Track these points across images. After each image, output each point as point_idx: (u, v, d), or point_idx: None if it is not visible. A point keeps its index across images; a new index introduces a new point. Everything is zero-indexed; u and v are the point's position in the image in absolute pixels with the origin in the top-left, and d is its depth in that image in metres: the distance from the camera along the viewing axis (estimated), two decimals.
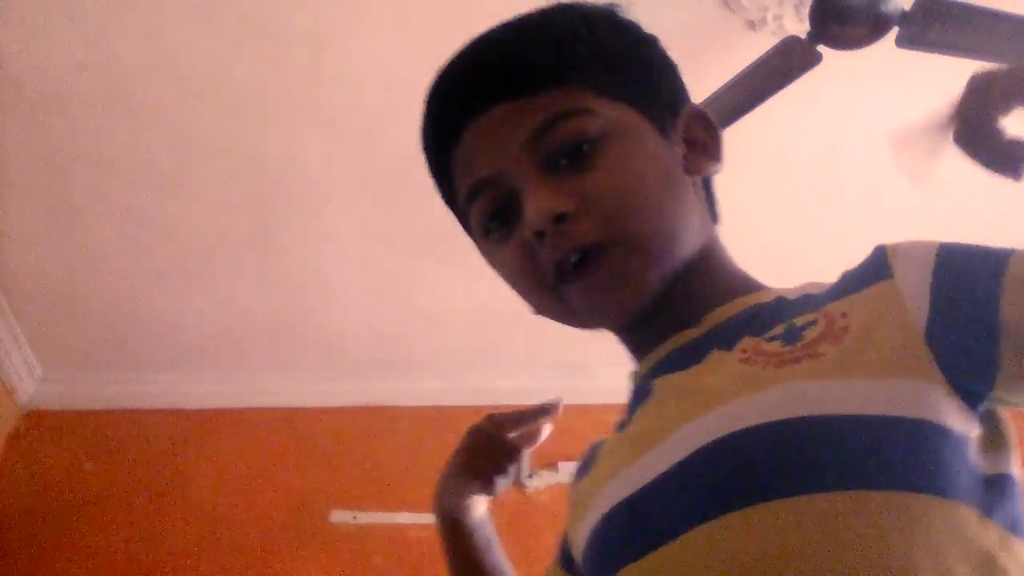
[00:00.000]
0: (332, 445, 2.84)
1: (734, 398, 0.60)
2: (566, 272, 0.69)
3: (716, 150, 0.77)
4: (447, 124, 0.76)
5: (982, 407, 0.59)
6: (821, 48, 1.84)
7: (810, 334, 0.63)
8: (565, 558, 0.82)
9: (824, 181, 2.41)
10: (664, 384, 0.70)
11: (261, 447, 2.85)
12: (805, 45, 1.84)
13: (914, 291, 0.62)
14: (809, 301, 0.69)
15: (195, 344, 2.85)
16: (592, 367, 2.99)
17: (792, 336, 0.64)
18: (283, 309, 2.72)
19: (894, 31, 1.79)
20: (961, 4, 1.73)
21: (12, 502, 2.75)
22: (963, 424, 0.58)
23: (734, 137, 2.00)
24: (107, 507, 2.73)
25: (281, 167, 2.35)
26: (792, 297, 0.73)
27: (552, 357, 2.93)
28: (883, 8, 1.77)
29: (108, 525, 2.69)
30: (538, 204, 0.68)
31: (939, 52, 1.83)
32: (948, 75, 2.20)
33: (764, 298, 0.74)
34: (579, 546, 0.71)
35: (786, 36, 1.87)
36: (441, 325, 2.73)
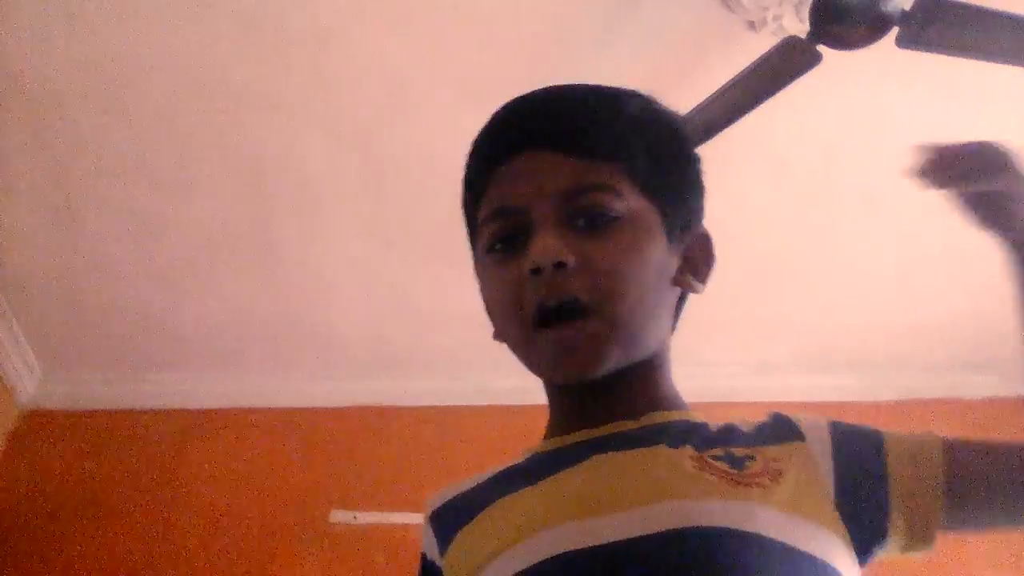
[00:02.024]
0: (332, 445, 2.84)
1: (693, 498, 0.68)
2: (545, 315, 0.75)
3: (705, 274, 0.86)
4: (508, 143, 0.83)
5: (869, 559, 0.72)
6: (821, 48, 1.84)
7: (751, 467, 0.72)
8: None
9: (824, 181, 2.41)
10: (606, 459, 0.74)
11: (261, 447, 2.85)
12: (805, 45, 1.84)
13: (822, 461, 0.74)
14: (736, 436, 0.78)
15: (195, 344, 2.85)
16: None
17: (735, 463, 0.72)
18: (283, 309, 2.72)
19: (894, 31, 1.79)
20: (961, 4, 1.72)
21: (12, 502, 2.75)
22: (851, 570, 0.69)
23: (734, 137, 2.01)
24: (107, 507, 2.72)
25: (281, 167, 2.35)
26: (715, 427, 0.81)
27: None
28: (883, 8, 1.77)
29: (108, 525, 2.68)
30: (546, 245, 0.75)
31: (939, 52, 1.83)
32: (948, 75, 2.22)
33: (695, 418, 0.82)
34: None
35: (786, 36, 1.87)
36: (441, 325, 2.73)
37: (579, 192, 0.78)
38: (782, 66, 1.85)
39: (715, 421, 0.82)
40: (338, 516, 2.71)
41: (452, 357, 2.83)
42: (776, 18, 1.96)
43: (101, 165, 2.35)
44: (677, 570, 0.64)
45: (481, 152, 0.87)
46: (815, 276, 2.70)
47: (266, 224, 2.50)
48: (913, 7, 1.76)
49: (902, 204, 2.46)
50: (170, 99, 2.20)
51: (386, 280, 2.67)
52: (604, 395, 0.79)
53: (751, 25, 1.99)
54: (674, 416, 0.81)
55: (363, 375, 2.91)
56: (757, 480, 0.70)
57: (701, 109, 1.94)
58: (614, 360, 0.76)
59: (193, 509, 2.72)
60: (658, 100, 0.88)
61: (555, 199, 0.78)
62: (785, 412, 0.81)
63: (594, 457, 0.75)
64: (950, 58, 1.84)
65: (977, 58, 1.84)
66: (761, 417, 0.82)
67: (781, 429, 0.78)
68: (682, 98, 2.06)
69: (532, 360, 0.80)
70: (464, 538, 0.76)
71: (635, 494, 0.69)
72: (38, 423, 2.91)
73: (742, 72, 1.87)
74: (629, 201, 0.79)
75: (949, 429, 2.80)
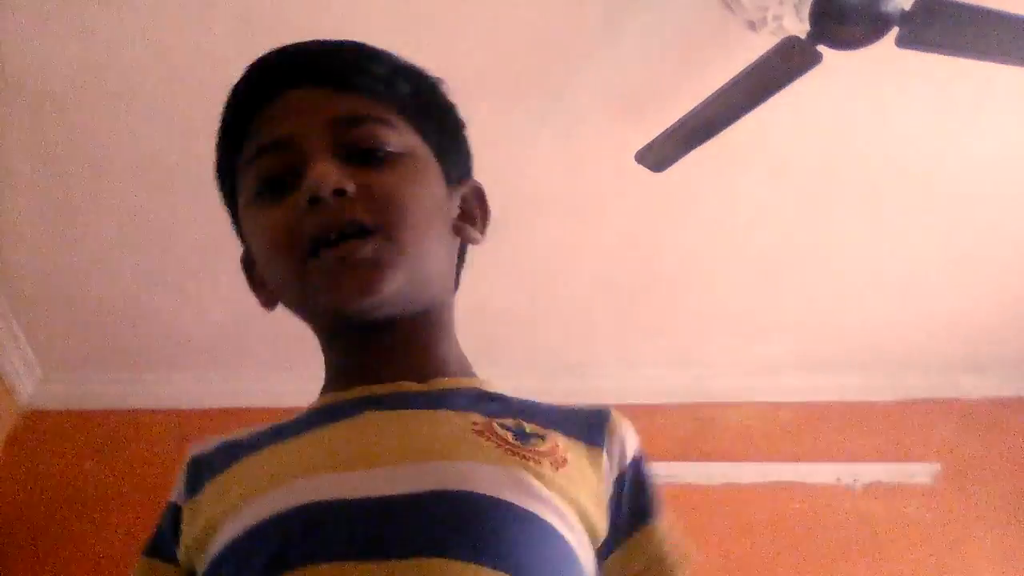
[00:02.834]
0: None
1: (460, 459, 0.65)
2: (321, 244, 0.70)
3: (483, 226, 0.83)
4: (266, 85, 0.78)
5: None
6: (821, 48, 1.84)
7: (538, 445, 0.69)
8: (165, 545, 0.76)
9: (824, 181, 2.41)
10: (379, 416, 0.70)
11: None
12: (805, 45, 1.84)
13: (609, 474, 0.72)
14: (535, 411, 0.74)
15: (195, 344, 2.85)
16: (592, 367, 2.99)
17: (522, 436, 0.69)
18: (283, 309, 2.71)
19: (894, 31, 1.79)
20: (961, 4, 1.72)
21: (12, 502, 2.75)
22: (590, 562, 0.68)
23: (734, 137, 2.01)
24: (107, 507, 2.72)
25: None
26: (515, 400, 0.77)
27: (552, 357, 2.93)
28: (883, 8, 1.77)
29: (108, 525, 2.68)
30: (324, 172, 0.70)
31: (939, 52, 1.83)
32: (948, 75, 2.22)
33: (487, 387, 0.78)
34: (225, 527, 0.66)
35: (786, 36, 1.87)
36: None
37: (351, 121, 0.74)
38: (782, 66, 1.85)
39: (521, 397, 0.77)
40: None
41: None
42: (776, 18, 1.96)
43: (101, 165, 2.35)
44: (419, 533, 0.60)
45: (239, 96, 0.81)
46: (815, 276, 2.70)
47: None
48: (913, 7, 1.76)
49: (902, 204, 2.46)
50: (170, 98, 2.20)
51: None
52: (387, 349, 0.75)
53: (751, 25, 1.99)
54: (463, 383, 0.76)
55: None
56: (538, 458, 0.67)
57: (701, 109, 1.94)
58: (399, 280, 0.71)
59: None
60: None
61: (328, 128, 0.73)
62: (608, 414, 0.76)
63: (368, 413, 0.70)
64: (950, 58, 1.84)
65: (977, 58, 1.84)
66: (583, 406, 0.77)
67: (588, 428, 0.74)
68: (682, 98, 2.07)
69: (306, 296, 0.74)
70: (213, 487, 0.71)
71: (400, 452, 0.65)
72: (38, 423, 2.91)
73: (742, 72, 1.88)
74: (404, 137, 0.76)
75: (949, 429, 2.81)
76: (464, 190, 0.82)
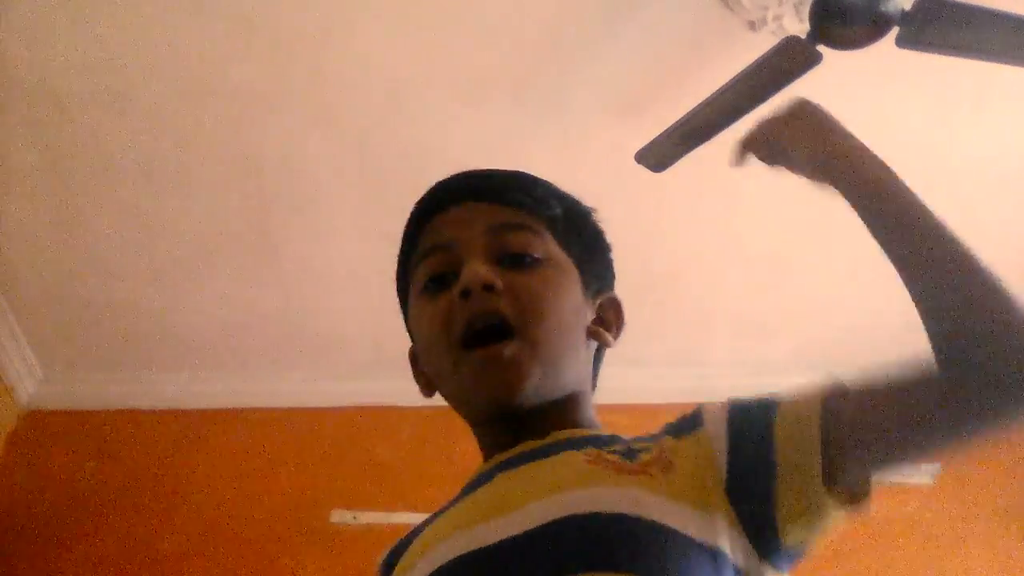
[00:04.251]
0: (332, 445, 2.84)
1: (578, 488, 0.71)
2: (474, 335, 0.80)
3: (616, 332, 0.93)
4: (440, 199, 0.91)
5: (781, 555, 0.71)
6: (821, 48, 1.84)
7: (644, 457, 0.75)
8: None
9: None
10: (508, 475, 0.78)
11: (261, 447, 2.85)
12: (805, 45, 1.84)
13: (718, 445, 0.74)
14: (643, 438, 0.80)
15: (195, 344, 2.85)
16: None
17: (630, 455, 0.75)
18: (283, 309, 2.72)
19: (894, 31, 1.79)
20: (961, 4, 1.72)
21: (12, 502, 2.75)
22: (744, 558, 0.69)
23: (734, 137, 2.01)
24: (107, 507, 2.73)
25: (280, 167, 2.35)
26: (627, 437, 0.82)
27: None
28: (883, 8, 1.77)
29: (108, 525, 2.68)
30: (475, 270, 0.81)
31: (939, 52, 1.83)
32: (948, 75, 2.22)
33: (603, 432, 0.85)
34: None
35: (786, 36, 1.87)
36: None
37: (506, 229, 0.86)
38: (782, 66, 1.85)
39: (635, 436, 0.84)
40: (338, 516, 2.71)
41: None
42: (776, 18, 1.96)
43: (101, 165, 2.35)
44: (556, 558, 0.66)
45: (417, 209, 0.94)
46: (815, 275, 2.70)
47: (265, 224, 2.50)
48: (913, 7, 1.76)
49: None
50: (170, 99, 2.20)
51: (386, 279, 2.66)
52: (523, 428, 0.83)
53: (751, 25, 1.99)
54: (579, 432, 0.83)
55: (363, 375, 2.91)
56: (647, 469, 0.72)
57: (701, 109, 1.94)
58: (536, 380, 0.80)
59: (193, 509, 2.72)
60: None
61: (483, 234, 0.85)
62: (700, 407, 0.81)
63: (499, 475, 0.79)
64: (950, 58, 1.84)
65: (977, 58, 1.84)
66: (684, 414, 0.83)
67: (685, 422, 0.79)
68: (682, 98, 2.06)
69: (459, 385, 0.84)
70: (396, 572, 0.80)
71: (527, 496, 0.72)
72: (38, 423, 2.91)
73: (742, 72, 1.88)
74: (550, 247, 0.87)
75: None
76: (602, 299, 0.93)
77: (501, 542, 0.68)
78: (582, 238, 0.92)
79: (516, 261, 0.84)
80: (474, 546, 0.69)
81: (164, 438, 2.87)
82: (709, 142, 2.02)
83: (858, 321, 2.84)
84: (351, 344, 2.85)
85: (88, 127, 2.26)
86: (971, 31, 1.77)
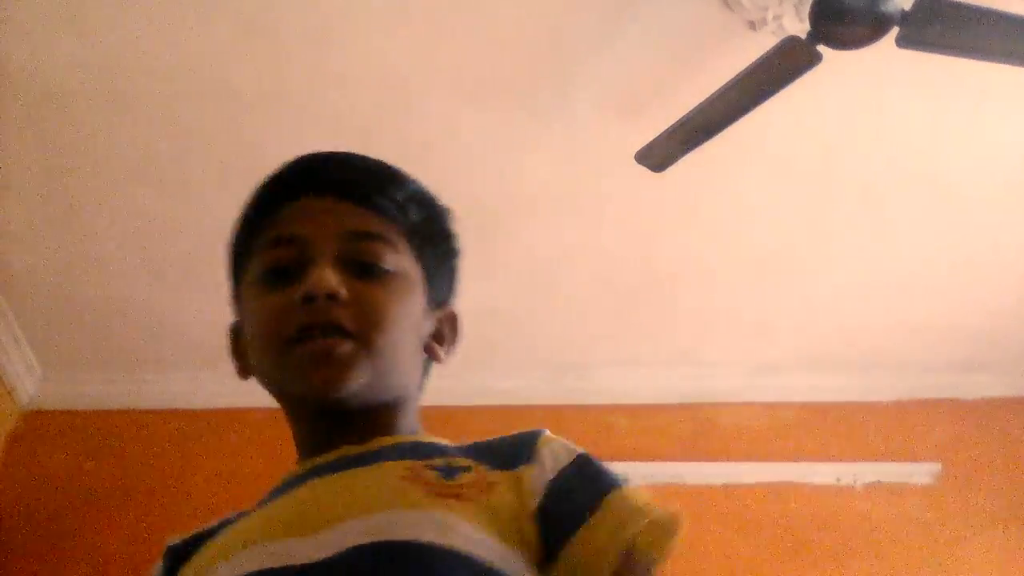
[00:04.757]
0: None
1: (392, 508, 0.69)
2: (302, 334, 0.78)
3: (449, 347, 0.93)
4: (297, 184, 0.88)
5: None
6: (821, 48, 1.84)
7: (462, 477, 0.73)
8: None
9: (824, 181, 2.41)
10: (322, 481, 0.76)
11: (261, 447, 2.84)
12: (805, 45, 1.84)
13: (541, 480, 0.73)
14: (467, 450, 0.79)
15: (195, 344, 2.84)
16: (591, 367, 2.99)
17: (448, 473, 0.74)
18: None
19: (894, 31, 1.79)
20: (961, 4, 1.72)
21: (12, 502, 2.75)
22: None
23: (734, 137, 2.01)
24: (107, 507, 2.73)
25: None
26: (451, 445, 0.82)
27: (551, 358, 2.93)
28: (883, 8, 1.77)
29: (108, 525, 2.69)
30: (324, 277, 0.79)
31: (939, 52, 1.83)
32: (948, 75, 2.22)
33: (432, 440, 0.84)
34: None
35: (786, 36, 1.87)
36: None
37: (361, 236, 0.84)
38: (782, 66, 1.85)
39: (458, 444, 0.82)
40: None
41: (452, 357, 2.83)
42: (776, 18, 1.96)
43: (101, 165, 2.35)
44: None
45: (266, 190, 0.90)
46: (815, 276, 2.70)
47: None
48: (913, 7, 1.76)
49: (902, 204, 2.46)
50: (170, 99, 2.20)
51: None
52: (342, 429, 0.81)
53: (751, 25, 1.99)
54: (402, 439, 0.82)
55: None
56: (464, 492, 0.71)
57: (701, 109, 1.94)
58: (363, 379, 0.78)
59: (193, 509, 2.72)
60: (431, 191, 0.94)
61: (337, 238, 0.83)
62: (537, 434, 0.78)
63: (312, 480, 0.77)
64: (950, 58, 1.84)
65: (977, 58, 1.84)
66: (518, 433, 0.80)
67: (518, 449, 0.76)
68: (682, 98, 2.07)
69: (282, 376, 0.82)
70: (185, 569, 0.77)
71: (335, 512, 0.70)
72: (38, 423, 2.91)
73: (742, 72, 1.88)
74: (402, 259, 0.85)
75: (949, 429, 2.81)
76: (441, 314, 0.91)
77: (308, 565, 0.66)
78: (436, 249, 0.91)
79: (365, 270, 0.82)
80: (283, 562, 0.67)
81: (164, 438, 2.87)
82: (709, 142, 2.02)
83: (858, 321, 2.84)
84: None
85: (88, 127, 2.26)
86: (971, 31, 1.77)
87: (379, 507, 0.69)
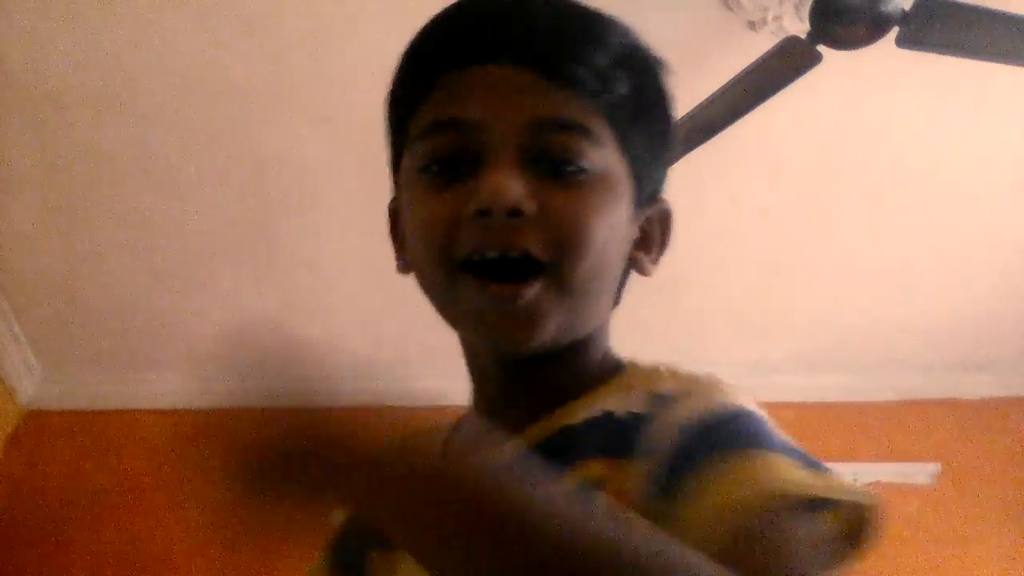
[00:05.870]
0: None
1: None
2: (479, 262, 0.63)
3: (659, 253, 0.75)
4: (467, 46, 0.67)
5: None
6: (821, 48, 1.84)
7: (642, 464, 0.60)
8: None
9: (824, 181, 2.41)
10: None
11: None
12: (805, 45, 1.84)
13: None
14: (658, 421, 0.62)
15: (195, 344, 2.84)
16: None
17: (645, 452, 0.60)
18: (283, 309, 2.72)
19: (894, 31, 1.79)
20: (961, 4, 1.72)
21: (12, 502, 2.75)
22: None
23: (734, 137, 2.01)
24: (107, 507, 2.72)
25: (281, 166, 2.35)
26: (640, 409, 0.65)
27: None
28: (883, 8, 1.77)
29: (108, 525, 2.68)
30: (503, 185, 0.61)
31: (939, 52, 1.83)
32: (948, 75, 2.21)
33: (615, 406, 0.66)
34: None
35: (786, 36, 1.87)
36: (441, 325, 2.73)
37: (553, 126, 0.64)
38: (782, 66, 1.85)
39: (640, 393, 0.67)
40: (338, 516, 2.70)
41: (452, 357, 2.83)
42: (776, 18, 1.96)
43: (101, 165, 2.35)
44: None
45: (425, 52, 0.70)
46: (815, 276, 2.70)
47: (266, 223, 2.50)
48: (913, 7, 1.76)
49: (902, 204, 2.46)
50: (170, 99, 2.20)
51: (386, 280, 2.67)
52: (515, 382, 0.68)
53: (751, 25, 1.99)
54: (592, 408, 0.66)
55: (364, 375, 2.91)
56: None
57: (701, 109, 1.94)
58: (553, 329, 0.64)
59: (193, 509, 2.72)
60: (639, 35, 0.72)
61: (522, 127, 0.63)
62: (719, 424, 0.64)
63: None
64: (950, 58, 1.84)
65: (977, 58, 1.84)
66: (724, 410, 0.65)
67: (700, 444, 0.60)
68: (682, 98, 2.06)
69: (447, 310, 0.68)
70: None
71: None
72: (38, 423, 2.90)
73: (742, 72, 1.87)
74: (605, 153, 0.65)
75: (949, 429, 2.80)
76: (651, 212, 0.73)
77: None
78: (648, 128, 0.70)
79: (557, 171, 0.63)
80: None
81: (164, 438, 2.87)
82: (709, 142, 2.02)
83: (858, 321, 2.84)
84: (351, 344, 2.85)
85: (88, 127, 2.25)
86: (971, 31, 1.76)
87: None
